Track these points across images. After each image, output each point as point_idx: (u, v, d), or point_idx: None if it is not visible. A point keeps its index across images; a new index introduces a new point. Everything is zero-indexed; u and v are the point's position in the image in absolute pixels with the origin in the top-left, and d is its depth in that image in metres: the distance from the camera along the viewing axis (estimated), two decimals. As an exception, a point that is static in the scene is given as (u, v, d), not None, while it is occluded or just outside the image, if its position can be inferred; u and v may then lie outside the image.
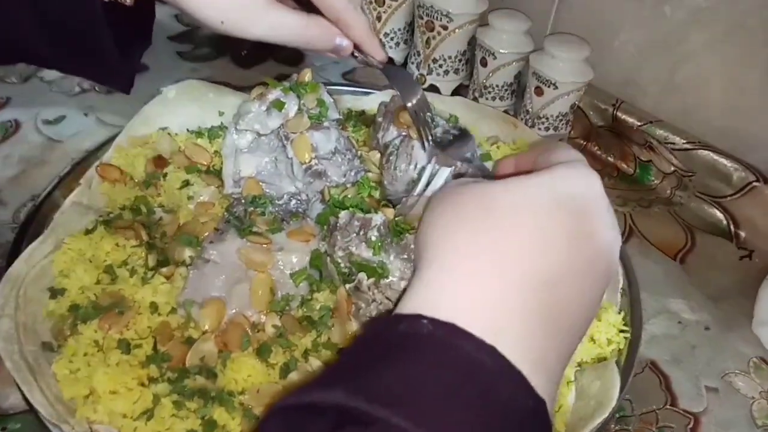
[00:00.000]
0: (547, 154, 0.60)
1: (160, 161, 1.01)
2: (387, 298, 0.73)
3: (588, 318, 0.55)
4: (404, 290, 0.56)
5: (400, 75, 0.88)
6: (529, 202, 0.52)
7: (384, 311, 0.74)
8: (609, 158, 1.25)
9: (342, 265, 0.77)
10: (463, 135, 0.90)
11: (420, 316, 0.48)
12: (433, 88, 1.37)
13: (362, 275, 0.74)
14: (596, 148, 1.27)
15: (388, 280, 0.74)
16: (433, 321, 0.47)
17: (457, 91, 1.38)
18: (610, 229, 0.55)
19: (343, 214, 0.80)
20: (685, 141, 1.15)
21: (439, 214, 0.57)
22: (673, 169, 1.18)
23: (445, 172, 0.86)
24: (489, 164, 0.95)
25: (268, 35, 0.73)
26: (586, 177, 0.55)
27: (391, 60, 0.89)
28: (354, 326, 0.78)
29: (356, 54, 0.84)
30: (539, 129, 1.24)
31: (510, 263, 0.49)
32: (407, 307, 0.50)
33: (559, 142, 0.62)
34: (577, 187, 0.54)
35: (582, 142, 1.28)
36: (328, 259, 0.79)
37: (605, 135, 1.25)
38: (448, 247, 0.52)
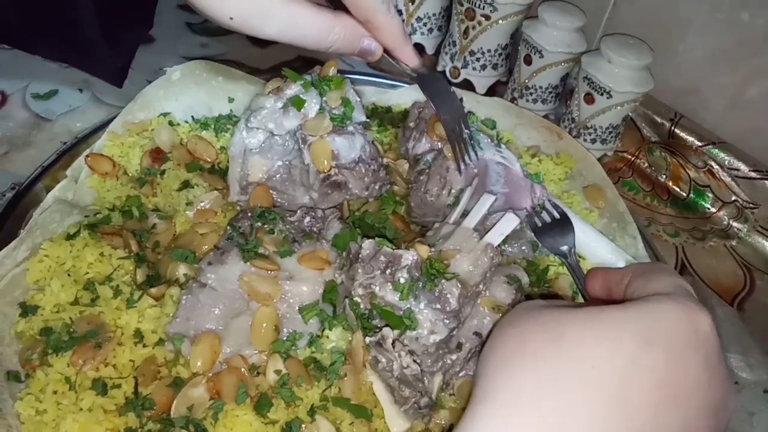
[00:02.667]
0: (643, 280, 0.48)
1: (157, 154, 0.89)
2: (414, 360, 0.62)
3: None
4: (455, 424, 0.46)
5: (434, 84, 0.77)
6: (609, 343, 0.40)
7: (410, 375, 0.62)
8: (660, 178, 1.12)
9: (362, 306, 0.66)
10: (563, 222, 0.81)
11: None
12: (467, 84, 1.23)
13: (387, 331, 0.62)
14: (646, 165, 1.14)
15: (415, 333, 0.62)
16: None
17: (493, 90, 1.24)
18: (721, 384, 0.41)
19: (367, 244, 0.68)
20: (751, 168, 1.02)
21: (502, 341, 0.46)
22: (733, 198, 1.05)
23: (488, 200, 0.74)
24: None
25: (285, 35, 0.62)
26: (691, 314, 0.42)
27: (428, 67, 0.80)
28: (369, 376, 0.67)
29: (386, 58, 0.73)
30: (584, 140, 1.10)
31: (579, 419, 0.37)
32: None
33: (659, 264, 0.48)
34: (677, 327, 0.41)
35: (630, 157, 1.15)
36: (346, 299, 0.67)
37: (658, 152, 1.12)
38: (504, 384, 0.41)
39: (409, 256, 0.64)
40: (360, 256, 0.68)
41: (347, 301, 0.67)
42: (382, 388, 0.66)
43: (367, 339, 0.64)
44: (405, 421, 0.64)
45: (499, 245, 0.71)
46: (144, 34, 0.81)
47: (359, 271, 0.67)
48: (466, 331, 0.68)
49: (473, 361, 0.69)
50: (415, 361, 0.61)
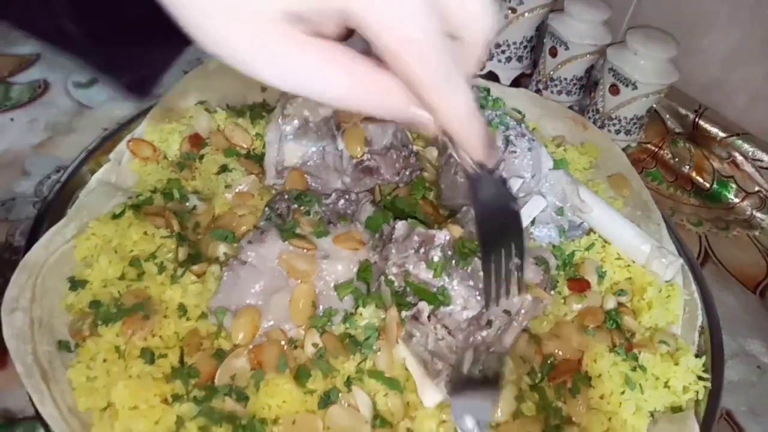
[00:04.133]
0: None
1: (196, 140, 0.92)
2: (449, 333, 0.64)
3: None
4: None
5: (493, 194, 0.52)
6: None
7: (444, 347, 0.65)
8: (683, 169, 1.13)
9: (396, 284, 0.69)
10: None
11: None
12: (492, 76, 1.25)
13: (423, 305, 0.65)
14: (670, 156, 1.15)
15: (448, 309, 0.65)
16: None
17: (518, 82, 1.26)
18: None
19: (400, 225, 0.71)
20: (775, 159, 1.03)
21: None
22: (757, 188, 1.06)
23: (516, 183, 0.77)
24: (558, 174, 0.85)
25: (287, 83, 0.41)
26: None
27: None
28: (402, 351, 0.70)
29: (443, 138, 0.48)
30: (609, 130, 1.12)
31: None
32: None
33: None
34: None
35: (653, 148, 1.17)
36: (382, 277, 0.70)
37: (682, 143, 1.13)
38: None
39: (442, 236, 0.67)
40: (393, 236, 0.71)
41: (382, 278, 0.70)
42: (414, 363, 0.69)
43: (403, 313, 0.67)
44: (438, 394, 0.67)
45: (526, 227, 0.73)
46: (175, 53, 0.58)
47: (393, 251, 0.70)
48: (495, 309, 0.70)
49: (502, 338, 0.72)
50: (449, 333, 0.64)
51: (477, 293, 0.65)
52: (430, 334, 0.64)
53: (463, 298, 0.65)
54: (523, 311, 0.72)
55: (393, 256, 0.69)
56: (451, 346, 0.65)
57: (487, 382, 0.63)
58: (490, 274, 0.58)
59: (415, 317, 0.65)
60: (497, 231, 0.55)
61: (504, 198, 0.54)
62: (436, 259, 0.66)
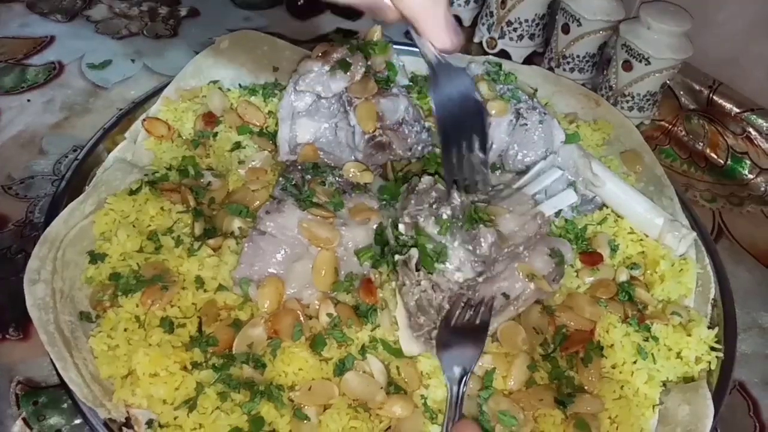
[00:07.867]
0: None
1: (210, 118, 0.93)
2: (432, 287, 0.67)
3: None
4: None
5: (454, 78, 0.56)
6: None
7: (425, 301, 0.67)
8: (697, 146, 1.13)
9: (404, 234, 0.71)
10: (477, 332, 0.66)
11: None
12: (504, 54, 1.25)
13: (414, 251, 0.67)
14: (683, 133, 1.15)
15: (443, 266, 0.67)
16: None
17: (530, 60, 1.25)
18: None
19: (426, 179, 0.74)
20: (790, 134, 1.02)
21: None
22: (772, 164, 1.05)
23: (554, 174, 0.78)
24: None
25: None
26: None
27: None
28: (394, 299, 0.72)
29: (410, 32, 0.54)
30: (622, 107, 1.11)
31: None
32: None
33: None
34: None
35: (667, 125, 1.16)
36: (390, 227, 0.73)
37: (695, 120, 1.13)
38: None
39: (457, 197, 0.69)
40: (417, 188, 0.73)
41: (390, 227, 0.73)
42: (402, 312, 0.71)
43: (396, 257, 0.69)
44: (417, 348, 0.69)
45: (549, 217, 0.74)
46: None
47: (412, 201, 0.72)
48: (495, 290, 0.71)
49: (495, 319, 0.72)
50: (434, 286, 0.66)
51: (474, 259, 0.67)
52: (415, 285, 0.67)
53: (459, 260, 0.67)
54: (522, 298, 0.73)
55: (410, 207, 0.72)
56: (432, 301, 0.67)
57: (474, 330, 0.65)
58: (452, 164, 0.62)
59: (405, 263, 0.68)
60: (458, 120, 0.58)
61: (465, 88, 0.57)
62: (444, 216, 0.68)
